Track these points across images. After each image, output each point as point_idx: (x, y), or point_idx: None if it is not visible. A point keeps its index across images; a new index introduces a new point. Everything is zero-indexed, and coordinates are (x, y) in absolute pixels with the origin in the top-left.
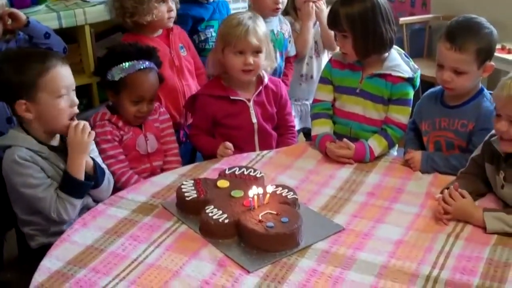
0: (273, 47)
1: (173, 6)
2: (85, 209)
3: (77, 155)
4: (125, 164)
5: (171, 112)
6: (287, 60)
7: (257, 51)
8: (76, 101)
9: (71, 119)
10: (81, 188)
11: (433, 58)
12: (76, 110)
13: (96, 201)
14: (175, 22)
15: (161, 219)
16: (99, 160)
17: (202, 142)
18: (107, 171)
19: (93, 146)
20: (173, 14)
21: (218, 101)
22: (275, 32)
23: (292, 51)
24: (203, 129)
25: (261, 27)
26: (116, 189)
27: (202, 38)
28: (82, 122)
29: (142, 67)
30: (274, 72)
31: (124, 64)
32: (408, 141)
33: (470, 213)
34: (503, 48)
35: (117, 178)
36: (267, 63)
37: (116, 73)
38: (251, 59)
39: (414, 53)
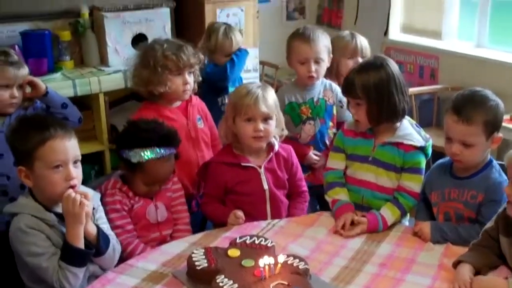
0: (291, 116)
1: (189, 79)
2: (92, 277)
3: (72, 225)
4: (132, 234)
5: (184, 183)
6: (339, 125)
7: (266, 118)
8: (73, 175)
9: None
10: (80, 256)
11: (442, 128)
12: (72, 183)
13: (103, 269)
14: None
15: None
16: (106, 226)
17: (213, 210)
18: (113, 239)
19: (101, 213)
20: (189, 87)
21: (229, 168)
22: (315, 100)
23: (346, 116)
24: (215, 196)
25: (270, 95)
26: (123, 258)
27: (226, 101)
28: (73, 194)
29: (161, 156)
30: (316, 138)
31: (144, 153)
32: (418, 212)
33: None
34: (511, 119)
35: (124, 248)
36: (276, 130)
37: (133, 157)
38: (261, 126)
39: (423, 123)
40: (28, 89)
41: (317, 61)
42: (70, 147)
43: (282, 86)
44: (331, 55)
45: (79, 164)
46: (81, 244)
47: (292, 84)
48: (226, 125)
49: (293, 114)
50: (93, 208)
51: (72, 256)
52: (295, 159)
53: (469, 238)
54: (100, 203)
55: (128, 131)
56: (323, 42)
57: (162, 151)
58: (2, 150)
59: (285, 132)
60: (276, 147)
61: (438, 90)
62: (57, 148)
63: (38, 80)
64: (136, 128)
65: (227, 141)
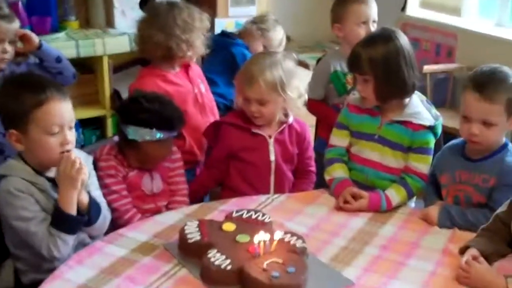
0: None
1: None
2: (80, 245)
3: (66, 189)
4: (129, 200)
5: (194, 150)
6: None
7: (260, 102)
8: (69, 139)
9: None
10: (72, 223)
11: (456, 109)
12: (68, 147)
13: (92, 237)
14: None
15: (160, 261)
16: (98, 193)
17: (200, 179)
18: (104, 208)
19: (93, 179)
20: None
21: (238, 131)
22: None
23: None
24: (217, 160)
25: (269, 76)
26: (118, 225)
27: None
28: (73, 156)
29: (158, 137)
30: None
31: (140, 132)
32: (427, 196)
33: (488, 281)
34: None
35: (120, 215)
36: (289, 107)
37: (129, 133)
38: (253, 107)
39: (437, 103)
40: (19, 44)
41: (374, 21)
42: (67, 111)
43: (327, 52)
44: None
45: (73, 128)
46: (73, 211)
47: (338, 52)
48: (236, 94)
49: (337, 83)
50: None
51: (63, 222)
52: (309, 136)
53: (477, 223)
54: (92, 167)
55: (130, 106)
56: (375, 3)
57: (160, 134)
58: None
59: (302, 111)
60: (290, 120)
61: (455, 69)
62: (55, 111)
63: (31, 33)
64: (138, 105)
65: (239, 105)
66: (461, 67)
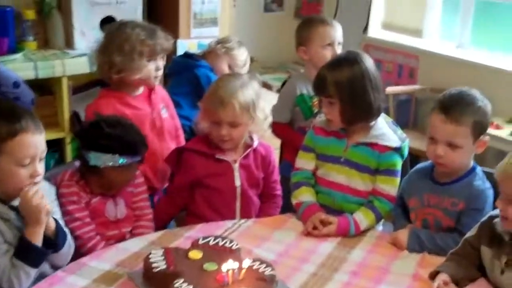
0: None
1: (161, 65)
2: (41, 277)
3: (30, 224)
4: (92, 227)
5: (149, 177)
6: None
7: (232, 125)
8: (39, 171)
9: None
10: (37, 255)
11: (419, 130)
12: (37, 179)
13: (54, 267)
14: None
15: None
16: (61, 222)
17: (162, 206)
18: (68, 236)
19: (56, 208)
20: (160, 73)
21: (202, 158)
22: None
23: None
24: (178, 187)
25: (242, 97)
26: (81, 254)
27: None
28: (34, 189)
29: (121, 163)
30: None
31: (101, 158)
32: (395, 220)
33: None
34: (491, 123)
35: (83, 243)
36: (255, 129)
37: (92, 159)
38: (224, 131)
39: (400, 124)
40: None
41: (340, 43)
42: (40, 142)
43: (292, 74)
44: None
45: (44, 159)
46: (39, 242)
47: (303, 75)
48: (202, 115)
49: (304, 107)
50: None
51: (28, 253)
52: (274, 159)
53: (446, 247)
54: (55, 197)
55: (91, 131)
56: (340, 25)
57: (122, 160)
58: None
59: (267, 133)
60: (255, 144)
61: (416, 90)
62: (28, 143)
63: None
64: (99, 130)
65: (204, 130)
66: (423, 88)
